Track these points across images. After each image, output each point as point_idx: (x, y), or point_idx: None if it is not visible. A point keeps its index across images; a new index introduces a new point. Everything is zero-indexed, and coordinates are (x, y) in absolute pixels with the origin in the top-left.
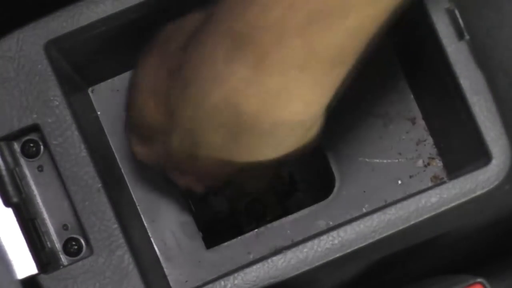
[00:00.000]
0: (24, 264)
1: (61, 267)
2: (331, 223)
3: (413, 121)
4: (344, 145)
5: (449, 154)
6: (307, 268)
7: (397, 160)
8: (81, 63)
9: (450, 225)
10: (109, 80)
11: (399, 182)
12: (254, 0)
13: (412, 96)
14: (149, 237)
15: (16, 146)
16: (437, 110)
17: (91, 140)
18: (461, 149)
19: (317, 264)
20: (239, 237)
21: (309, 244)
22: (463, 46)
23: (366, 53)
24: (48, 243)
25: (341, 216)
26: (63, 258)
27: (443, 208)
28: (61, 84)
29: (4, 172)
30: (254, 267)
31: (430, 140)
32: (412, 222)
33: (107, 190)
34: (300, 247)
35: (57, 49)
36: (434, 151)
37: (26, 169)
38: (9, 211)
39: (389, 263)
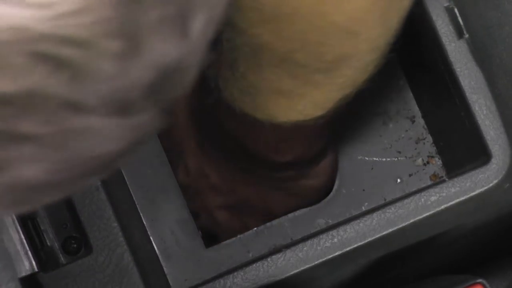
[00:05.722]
0: (23, 263)
1: (61, 265)
2: (330, 221)
3: (412, 119)
4: (344, 143)
5: (448, 153)
6: (306, 266)
7: (396, 159)
8: None
9: (449, 223)
10: None
11: (399, 180)
12: None
13: (411, 94)
14: (148, 236)
15: None
16: (437, 108)
17: None
18: (460, 147)
19: (316, 262)
20: (238, 236)
21: (308, 242)
22: (463, 44)
23: None
24: (47, 241)
25: (341, 215)
26: (62, 257)
27: (442, 207)
28: None
29: None
30: (254, 265)
31: (429, 139)
32: (412, 221)
33: (107, 189)
34: (300, 245)
35: None
36: (433, 149)
37: None
38: None
39: (388, 262)
